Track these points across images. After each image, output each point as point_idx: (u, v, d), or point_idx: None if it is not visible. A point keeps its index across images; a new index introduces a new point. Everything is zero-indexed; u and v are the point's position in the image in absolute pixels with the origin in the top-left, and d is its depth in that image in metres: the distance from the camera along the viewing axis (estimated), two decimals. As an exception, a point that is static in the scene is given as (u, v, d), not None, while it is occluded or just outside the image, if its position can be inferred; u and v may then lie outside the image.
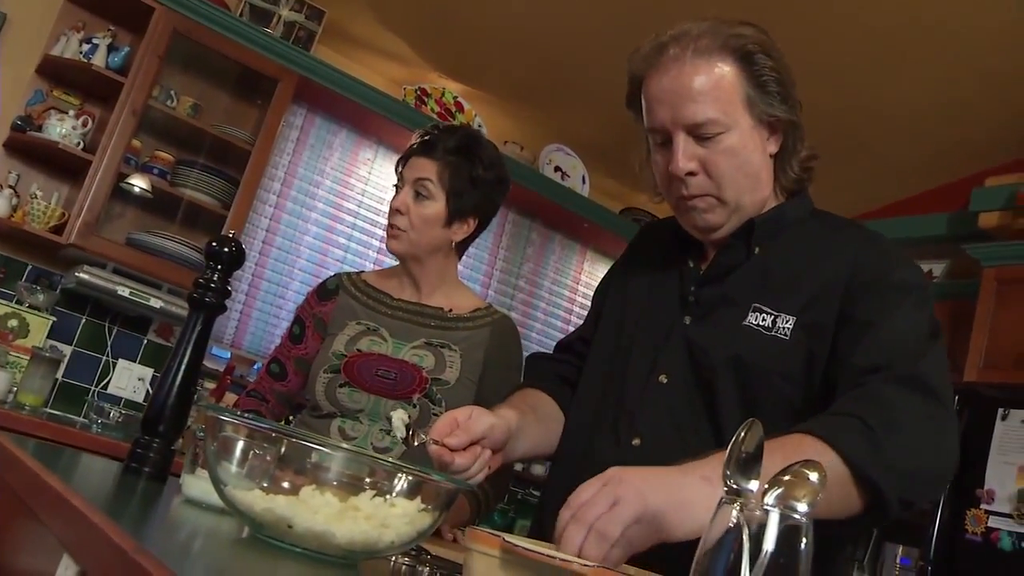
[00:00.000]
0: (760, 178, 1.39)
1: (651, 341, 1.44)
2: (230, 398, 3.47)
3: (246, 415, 1.01)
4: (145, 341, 3.76)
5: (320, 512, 0.92)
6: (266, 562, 0.88)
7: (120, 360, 3.70)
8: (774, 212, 1.43)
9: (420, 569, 1.09)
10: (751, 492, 0.75)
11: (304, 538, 0.92)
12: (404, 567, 1.07)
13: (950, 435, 1.22)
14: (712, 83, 1.33)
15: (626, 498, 1.02)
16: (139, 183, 3.42)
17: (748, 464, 0.76)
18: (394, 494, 0.94)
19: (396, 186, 2.05)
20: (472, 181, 1.99)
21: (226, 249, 1.41)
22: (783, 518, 0.70)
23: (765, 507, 0.71)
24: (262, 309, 4.04)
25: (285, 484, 0.94)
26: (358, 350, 1.97)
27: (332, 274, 2.20)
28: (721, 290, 1.41)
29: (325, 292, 2.11)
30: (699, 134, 1.34)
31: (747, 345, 1.33)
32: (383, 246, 4.28)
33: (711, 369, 1.35)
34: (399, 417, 1.39)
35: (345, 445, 1.33)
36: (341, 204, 4.27)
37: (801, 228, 1.43)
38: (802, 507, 0.71)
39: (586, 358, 1.59)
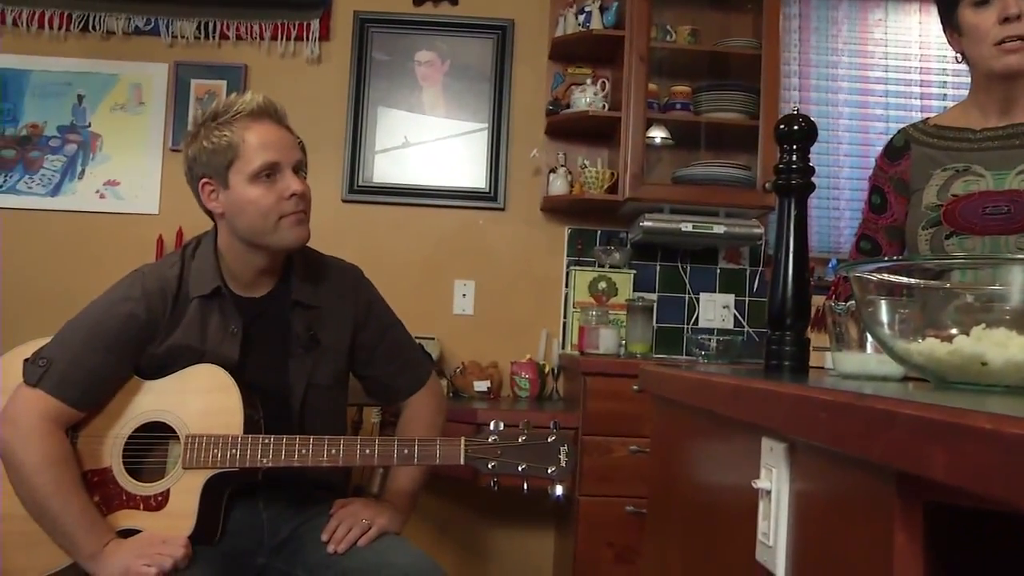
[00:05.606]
0: None
1: None
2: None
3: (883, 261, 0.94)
4: (718, 270, 3.86)
5: (1010, 345, 0.83)
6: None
7: (701, 294, 3.84)
8: None
9: None
10: None
11: (1004, 373, 0.83)
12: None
13: None
14: None
15: None
16: (658, 133, 3.51)
17: None
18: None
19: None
20: None
21: (795, 126, 1.36)
22: None
23: None
24: (819, 207, 3.93)
25: (954, 330, 0.87)
26: (953, 196, 1.79)
27: (896, 133, 2.03)
28: None
29: (894, 151, 1.95)
30: None
31: None
32: (923, 95, 3.94)
33: None
34: None
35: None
36: (866, 76, 3.99)
37: None
38: None
39: None
